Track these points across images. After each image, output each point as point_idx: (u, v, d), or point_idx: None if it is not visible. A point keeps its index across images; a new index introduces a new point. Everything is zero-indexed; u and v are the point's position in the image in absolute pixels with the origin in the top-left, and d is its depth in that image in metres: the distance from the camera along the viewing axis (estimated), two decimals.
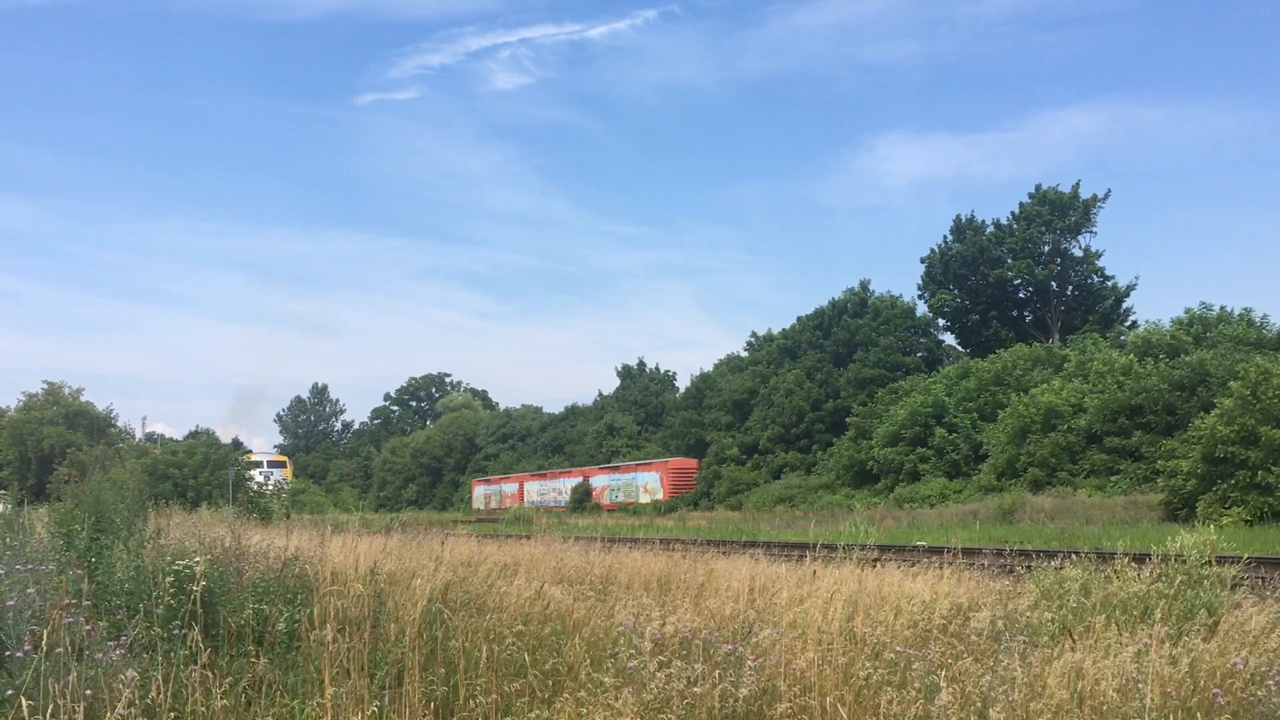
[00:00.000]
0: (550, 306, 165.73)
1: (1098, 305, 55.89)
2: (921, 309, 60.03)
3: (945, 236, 58.98)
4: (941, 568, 10.08)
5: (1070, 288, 56.62)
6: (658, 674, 5.34)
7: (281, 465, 65.48)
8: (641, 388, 79.44)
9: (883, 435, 47.00)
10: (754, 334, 69.94)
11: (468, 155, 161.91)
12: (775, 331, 67.22)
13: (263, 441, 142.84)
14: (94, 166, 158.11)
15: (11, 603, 5.68)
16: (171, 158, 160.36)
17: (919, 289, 59.74)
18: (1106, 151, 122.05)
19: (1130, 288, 56.33)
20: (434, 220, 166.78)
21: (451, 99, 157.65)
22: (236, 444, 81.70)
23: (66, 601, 5.69)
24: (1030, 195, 56.75)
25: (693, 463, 62.34)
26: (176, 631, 5.89)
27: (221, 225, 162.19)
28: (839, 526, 29.09)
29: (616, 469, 65.29)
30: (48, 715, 4.59)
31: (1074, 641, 5.99)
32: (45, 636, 5.07)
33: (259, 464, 59.62)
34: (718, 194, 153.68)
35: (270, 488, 55.21)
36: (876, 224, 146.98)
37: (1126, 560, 8.12)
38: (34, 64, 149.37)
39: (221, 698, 5.10)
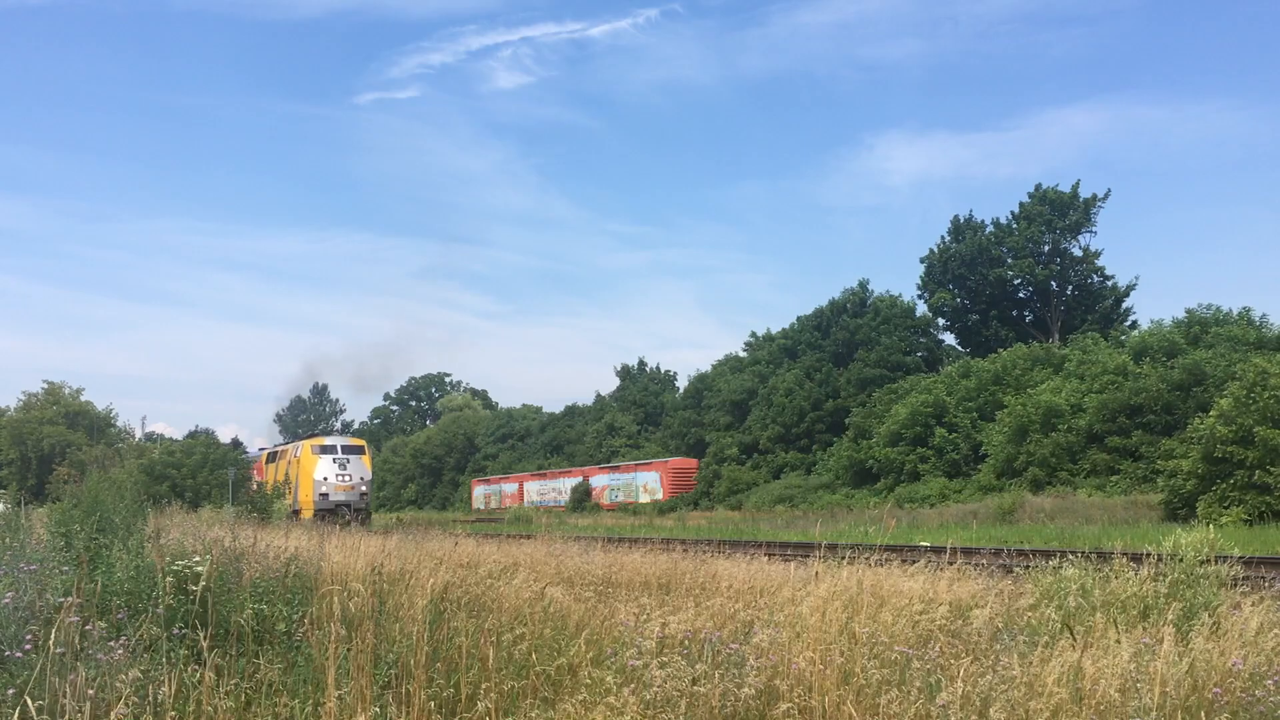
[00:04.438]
0: (550, 306, 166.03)
1: (1098, 305, 55.91)
2: (921, 309, 60.12)
3: (943, 236, 59.08)
4: (941, 567, 10.09)
5: (1070, 287, 56.63)
6: (659, 673, 5.35)
7: (359, 451, 45.54)
8: (641, 388, 79.45)
9: (883, 435, 47.00)
10: (753, 334, 70.07)
11: (468, 154, 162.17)
12: (775, 331, 67.31)
13: (265, 440, 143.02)
14: (94, 166, 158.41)
15: (8, 599, 5.68)
16: (172, 157, 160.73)
17: (919, 289, 59.84)
18: (1107, 151, 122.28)
19: (1130, 287, 56.44)
20: (434, 220, 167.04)
21: (452, 98, 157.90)
22: (236, 443, 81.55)
23: (72, 601, 5.70)
24: (1030, 194, 56.80)
25: (692, 462, 62.35)
26: (177, 632, 5.89)
27: (221, 225, 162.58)
28: (839, 526, 29.12)
29: (616, 469, 65.29)
30: (50, 715, 4.60)
31: (1076, 640, 6.00)
32: (46, 636, 5.08)
33: (331, 450, 44.66)
34: (718, 194, 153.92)
35: (346, 482, 42.85)
36: (876, 223, 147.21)
37: (1125, 560, 8.13)
38: (34, 64, 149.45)
39: (223, 698, 5.11)
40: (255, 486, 46.60)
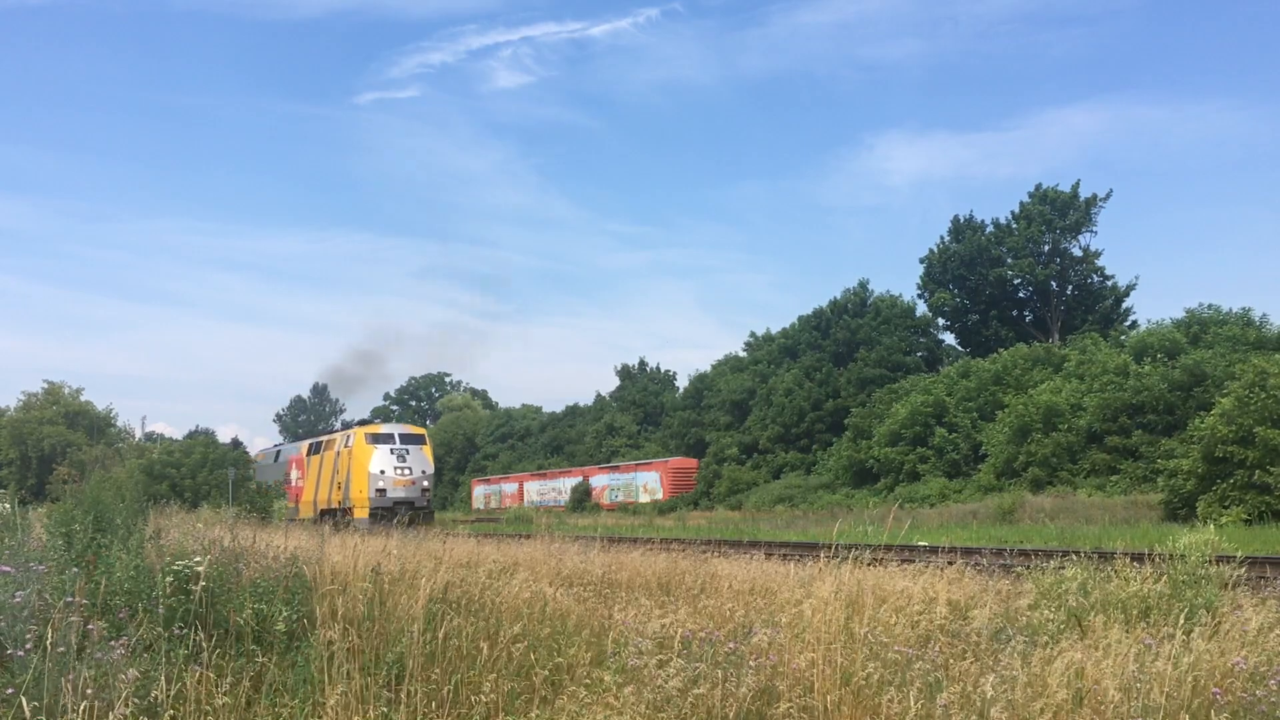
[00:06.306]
0: (550, 306, 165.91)
1: (1098, 305, 55.91)
2: (921, 309, 60.12)
3: (943, 237, 59.11)
4: (941, 568, 10.08)
5: (1070, 287, 56.63)
6: (658, 673, 5.34)
7: (420, 441, 39.97)
8: (641, 387, 79.45)
9: (883, 435, 47.01)
10: (753, 334, 70.09)
11: (468, 154, 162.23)
12: (775, 331, 67.35)
13: (265, 439, 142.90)
14: (94, 166, 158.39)
15: (18, 598, 5.68)
16: (172, 157, 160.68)
17: (918, 289, 59.84)
18: (1107, 151, 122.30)
19: (1130, 287, 56.44)
20: (434, 219, 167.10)
21: (452, 98, 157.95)
22: (236, 443, 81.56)
23: (70, 600, 5.70)
24: (1030, 194, 56.79)
25: (692, 462, 62.34)
26: (178, 631, 5.89)
27: (221, 225, 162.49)
28: (839, 526, 29.08)
29: (616, 469, 65.28)
30: (50, 714, 4.59)
31: (1085, 633, 6.00)
32: (46, 636, 5.07)
33: (388, 439, 38.92)
34: (718, 194, 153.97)
35: (406, 476, 37.40)
36: (876, 223, 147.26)
37: (1126, 560, 8.13)
38: (34, 63, 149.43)
39: (222, 697, 5.11)
40: (295, 482, 43.55)
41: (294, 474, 45.96)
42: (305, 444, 47.51)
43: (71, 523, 8.10)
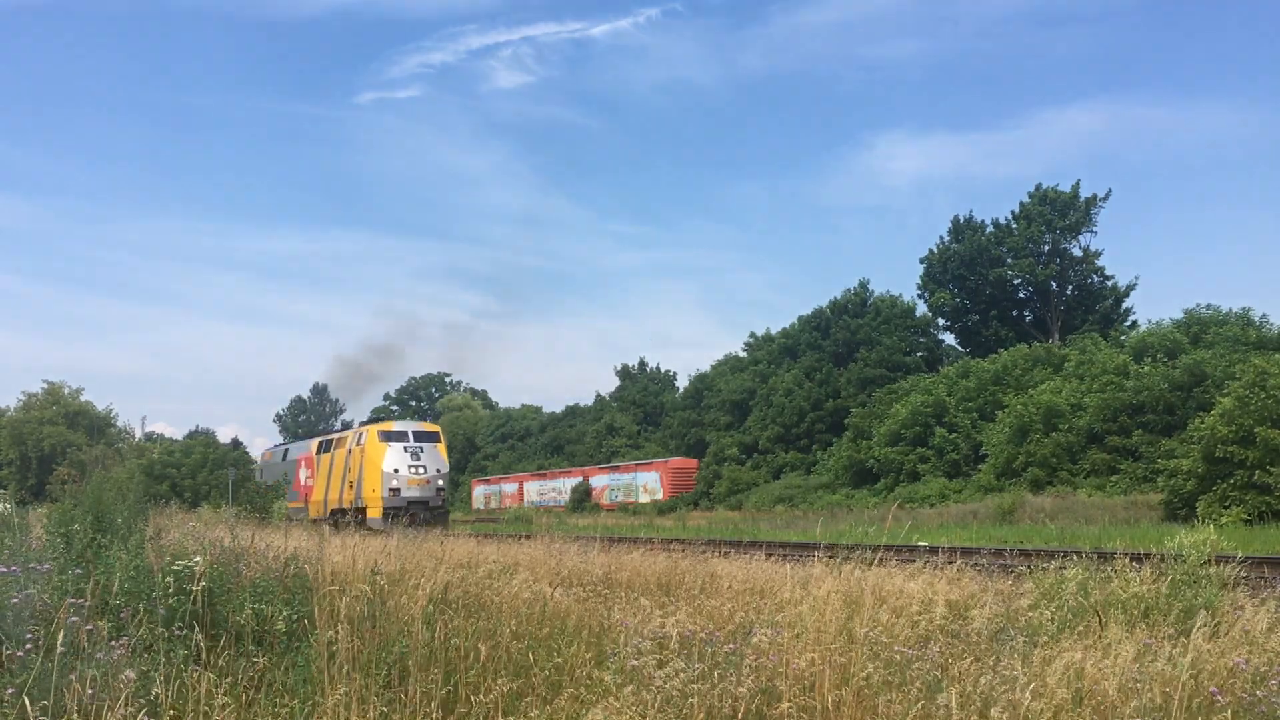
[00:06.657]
0: (550, 306, 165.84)
1: (1098, 305, 55.93)
2: (921, 309, 60.14)
3: (943, 237, 59.13)
4: (941, 567, 10.08)
5: (1070, 287, 56.64)
6: (658, 673, 5.34)
7: (434, 438, 38.72)
8: (641, 388, 79.47)
9: (883, 435, 47.03)
10: (753, 334, 70.13)
11: (468, 154, 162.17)
12: (775, 331, 67.39)
13: (265, 439, 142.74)
14: (94, 166, 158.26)
15: (16, 599, 5.69)
16: (172, 157, 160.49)
17: (919, 289, 59.86)
18: (1107, 151, 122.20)
19: (1130, 288, 56.47)
20: (434, 219, 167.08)
21: (452, 97, 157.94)
22: (236, 443, 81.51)
23: (76, 601, 5.70)
24: (1030, 194, 56.81)
25: (692, 462, 62.35)
26: (178, 631, 5.89)
27: (222, 225, 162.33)
28: (839, 526, 29.11)
29: (616, 469, 65.29)
30: (51, 715, 4.59)
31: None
32: (45, 636, 5.08)
33: (401, 436, 37.73)
34: (718, 194, 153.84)
35: (420, 475, 36.30)
36: (877, 223, 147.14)
37: (1126, 560, 8.13)
38: (34, 63, 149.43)
39: (222, 697, 5.11)
40: (304, 481, 42.98)
41: (303, 473, 45.07)
42: (315, 442, 46.35)
43: (71, 523, 8.09)
